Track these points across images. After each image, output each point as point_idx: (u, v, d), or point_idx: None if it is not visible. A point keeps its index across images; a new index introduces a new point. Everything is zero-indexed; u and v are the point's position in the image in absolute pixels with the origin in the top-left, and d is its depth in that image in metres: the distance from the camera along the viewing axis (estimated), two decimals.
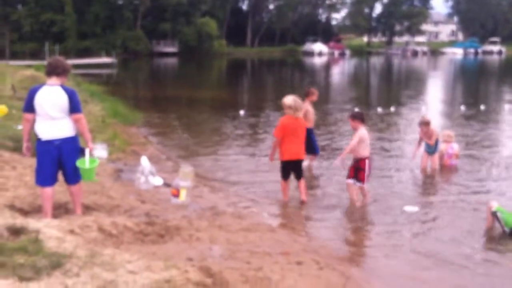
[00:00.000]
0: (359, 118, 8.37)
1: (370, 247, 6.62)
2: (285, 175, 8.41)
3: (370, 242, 6.83)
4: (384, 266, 5.97)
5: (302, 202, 8.36)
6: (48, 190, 5.92)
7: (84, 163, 5.98)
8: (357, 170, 8.34)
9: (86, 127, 6.04)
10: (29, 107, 5.78)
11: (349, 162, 8.49)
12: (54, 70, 5.87)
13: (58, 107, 5.76)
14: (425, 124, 10.78)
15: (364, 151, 8.31)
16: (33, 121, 5.84)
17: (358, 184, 8.35)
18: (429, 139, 10.69)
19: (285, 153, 8.24)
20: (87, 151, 6.01)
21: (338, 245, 6.72)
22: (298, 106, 8.14)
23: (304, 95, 10.29)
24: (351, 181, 8.40)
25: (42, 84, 5.90)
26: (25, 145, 6.00)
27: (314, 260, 5.63)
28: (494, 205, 7.19)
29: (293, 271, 5.19)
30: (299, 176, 8.44)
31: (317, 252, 6.14)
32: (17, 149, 8.72)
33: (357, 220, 7.70)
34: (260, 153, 12.03)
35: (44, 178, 5.90)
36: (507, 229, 6.94)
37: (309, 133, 9.78)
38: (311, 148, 10.30)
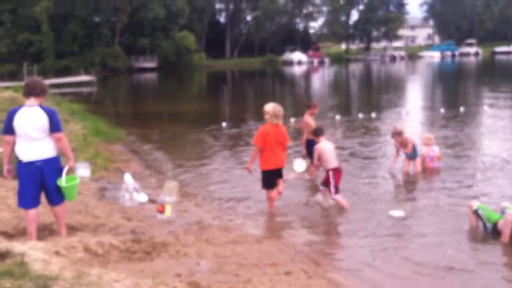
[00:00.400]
0: (316, 133, 8.80)
1: (358, 254, 6.63)
2: (269, 185, 8.33)
3: (357, 249, 6.83)
4: (373, 273, 5.99)
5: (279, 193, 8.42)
6: (32, 212, 5.86)
7: (63, 181, 5.94)
8: (326, 181, 8.67)
9: (68, 146, 6.02)
10: (9, 129, 5.74)
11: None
12: (32, 91, 5.84)
13: (38, 127, 5.73)
14: (397, 134, 10.89)
15: (326, 164, 8.57)
16: (13, 143, 5.79)
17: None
18: (405, 148, 10.82)
19: (267, 162, 8.16)
20: (65, 169, 5.97)
21: (326, 253, 6.74)
22: (277, 113, 8.10)
23: (306, 107, 10.79)
24: (323, 187, 8.78)
25: (21, 105, 5.86)
26: (5, 167, 5.94)
27: (303, 269, 5.65)
28: (475, 204, 7.33)
29: (282, 281, 5.20)
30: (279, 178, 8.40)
31: (305, 261, 6.15)
32: None
33: (344, 227, 7.72)
34: (245, 164, 12.02)
35: (27, 200, 5.84)
36: (489, 225, 7.06)
37: (311, 144, 10.00)
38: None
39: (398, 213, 8.08)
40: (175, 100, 31.95)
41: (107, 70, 65.24)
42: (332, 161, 8.66)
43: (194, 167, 11.94)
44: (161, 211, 7.54)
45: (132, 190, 8.24)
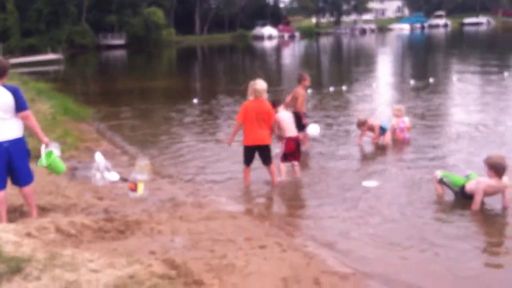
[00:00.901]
0: (274, 103, 8.79)
1: (332, 226, 6.69)
2: (246, 160, 8.32)
3: (331, 220, 6.88)
4: (347, 245, 6.04)
5: (273, 183, 8.39)
6: (1, 193, 5.76)
7: (44, 161, 5.89)
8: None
9: (36, 124, 5.93)
10: None
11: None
12: None
13: (3, 107, 5.60)
14: (362, 124, 10.95)
15: (284, 132, 8.67)
16: None
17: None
18: (374, 132, 10.92)
19: (248, 137, 8.15)
20: (43, 147, 5.91)
21: (300, 226, 6.78)
22: (257, 88, 8.06)
23: (296, 81, 10.79)
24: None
25: None
26: None
27: (277, 243, 5.68)
28: (439, 173, 7.47)
29: (257, 255, 5.22)
30: (267, 161, 8.36)
31: (280, 235, 6.18)
32: None
33: (318, 200, 7.76)
34: (216, 140, 12.00)
35: None
36: (457, 189, 7.21)
37: (300, 117, 10.22)
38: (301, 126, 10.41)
39: (371, 183, 8.17)
40: (144, 77, 31.56)
41: (74, 47, 64.05)
42: (289, 129, 8.69)
43: (165, 144, 11.86)
44: (134, 189, 7.48)
45: (103, 169, 8.16)
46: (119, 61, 52.68)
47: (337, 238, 6.24)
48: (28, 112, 5.80)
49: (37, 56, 46.61)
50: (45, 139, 6.02)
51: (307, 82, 10.68)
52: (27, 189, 5.97)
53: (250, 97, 8.13)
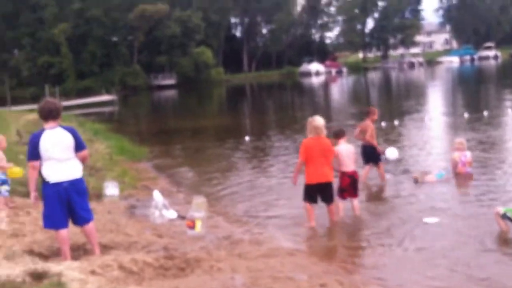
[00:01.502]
0: (336, 135, 8.76)
1: (394, 264, 6.56)
2: (308, 198, 8.16)
3: (390, 258, 6.75)
4: (410, 282, 5.91)
5: (332, 222, 8.27)
6: (63, 232, 5.88)
7: None
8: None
9: None
10: (35, 155, 5.73)
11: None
12: (50, 114, 5.84)
13: (64, 147, 5.77)
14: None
15: (341, 166, 8.52)
16: (39, 168, 5.79)
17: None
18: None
19: (311, 176, 8.01)
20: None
21: (360, 264, 6.68)
22: (315, 126, 8.02)
23: (365, 114, 10.99)
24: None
25: (41, 129, 5.84)
26: (33, 194, 5.94)
27: (337, 280, 5.60)
28: (501, 209, 7.23)
29: None
30: (328, 199, 8.22)
31: (339, 273, 6.10)
32: (28, 194, 8.73)
33: (378, 235, 7.63)
34: (270, 177, 12.03)
35: (55, 221, 5.84)
36: None
37: (372, 149, 10.49)
38: (375, 159, 10.66)
39: (432, 220, 7.98)
40: (196, 116, 32.10)
41: (127, 88, 65.84)
42: (346, 164, 8.56)
43: (220, 181, 11.96)
44: (192, 226, 7.54)
45: (161, 207, 8.27)
46: (170, 101, 53.80)
47: (399, 277, 6.11)
48: (86, 152, 6.01)
49: (92, 98, 48.13)
50: None
51: (375, 115, 10.85)
52: (88, 227, 6.08)
53: (310, 135, 8.07)
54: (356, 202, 8.63)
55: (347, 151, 8.58)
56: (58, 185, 5.76)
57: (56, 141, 5.73)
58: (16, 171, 8.32)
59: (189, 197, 9.61)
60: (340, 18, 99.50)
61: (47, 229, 5.99)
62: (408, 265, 6.48)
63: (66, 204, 5.84)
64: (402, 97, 36.67)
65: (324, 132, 8.09)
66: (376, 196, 10.15)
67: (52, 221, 5.84)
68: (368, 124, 10.63)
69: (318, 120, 8.08)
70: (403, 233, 7.61)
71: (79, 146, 5.87)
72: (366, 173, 10.74)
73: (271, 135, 19.63)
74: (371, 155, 10.63)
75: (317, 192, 8.13)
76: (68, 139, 5.78)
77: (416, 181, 10.38)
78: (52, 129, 5.79)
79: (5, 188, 8.32)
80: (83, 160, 5.98)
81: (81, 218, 5.99)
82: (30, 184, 5.90)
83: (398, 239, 7.40)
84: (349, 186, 8.54)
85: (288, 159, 14.12)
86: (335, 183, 8.57)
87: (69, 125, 6.11)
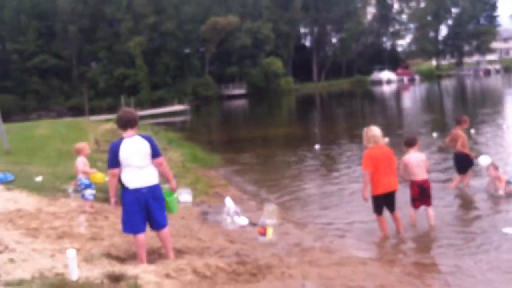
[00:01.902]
0: (406, 143, 8.64)
1: (470, 274, 6.35)
2: (378, 210, 8.03)
3: (466, 268, 6.54)
4: None
5: (399, 231, 8.13)
6: (141, 236, 6.05)
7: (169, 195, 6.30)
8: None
9: (168, 169, 6.29)
10: (115, 162, 5.95)
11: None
12: (128, 123, 6.06)
13: (142, 155, 5.97)
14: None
15: (410, 176, 8.40)
16: (119, 176, 6.01)
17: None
18: (500, 184, 10.17)
19: (377, 186, 7.85)
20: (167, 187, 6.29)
21: (435, 274, 6.51)
22: (371, 136, 7.93)
23: (457, 123, 10.81)
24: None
25: (120, 138, 6.06)
26: (113, 200, 6.17)
27: None
28: None
29: None
30: (392, 208, 8.10)
31: (413, 283, 5.97)
32: (107, 199, 9.07)
33: (455, 245, 7.41)
34: (341, 186, 11.93)
35: (134, 225, 6.03)
36: None
37: (464, 157, 10.44)
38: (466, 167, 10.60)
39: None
40: (265, 124, 32.31)
41: (199, 99, 67.18)
42: (415, 173, 8.37)
43: (291, 189, 11.98)
44: (263, 233, 7.60)
45: (233, 214, 8.39)
46: (241, 110, 54.40)
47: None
48: (162, 159, 6.17)
49: (165, 108, 49.39)
50: (173, 183, 6.38)
51: (466, 124, 10.73)
52: (164, 232, 6.24)
53: (368, 145, 7.95)
54: (430, 211, 8.41)
55: (416, 160, 8.41)
56: (137, 191, 5.97)
57: (134, 149, 5.94)
58: (99, 176, 8.65)
59: (260, 204, 9.69)
60: (412, 25, 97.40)
61: (125, 234, 6.19)
62: (484, 276, 6.25)
63: (144, 209, 6.03)
64: (478, 105, 35.43)
65: (382, 140, 7.97)
66: (458, 204, 9.87)
67: (131, 226, 6.04)
68: (459, 133, 10.53)
69: (375, 130, 7.96)
70: (481, 243, 7.36)
71: (155, 154, 6.06)
72: (457, 182, 10.63)
73: (342, 143, 19.47)
74: (463, 163, 10.54)
75: (384, 202, 7.99)
76: (145, 147, 5.98)
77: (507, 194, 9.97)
78: (131, 138, 6.01)
79: (89, 192, 8.66)
80: (158, 167, 6.14)
81: (157, 223, 6.16)
82: (110, 190, 6.13)
83: (475, 249, 7.16)
84: (419, 195, 8.39)
85: (359, 167, 13.98)
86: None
87: (146, 134, 6.30)
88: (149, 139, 6.07)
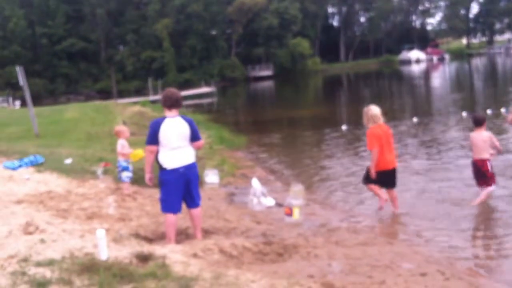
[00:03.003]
0: (473, 122, 8.51)
1: (501, 256, 6.29)
2: (370, 181, 8.13)
3: (500, 251, 6.48)
4: None
5: (395, 208, 8.19)
6: (173, 216, 6.15)
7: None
8: None
9: None
10: (154, 140, 6.05)
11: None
12: (174, 103, 6.15)
13: (181, 136, 6.06)
14: None
15: (474, 154, 8.30)
16: (156, 153, 6.10)
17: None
18: None
19: (380, 163, 7.96)
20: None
21: (462, 255, 6.45)
22: (372, 115, 8.01)
23: None
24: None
25: (163, 117, 6.16)
26: (148, 176, 6.27)
27: (439, 270, 5.44)
28: None
29: (418, 283, 5.05)
30: (393, 183, 8.20)
31: (441, 263, 5.93)
32: (134, 181, 9.20)
33: (482, 227, 7.35)
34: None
35: (172, 205, 6.13)
36: None
37: None
38: None
39: None
40: (292, 106, 32.21)
41: (225, 80, 67.26)
42: (474, 151, 8.38)
43: (317, 170, 11.98)
44: (289, 214, 7.63)
45: (259, 195, 8.43)
46: (267, 92, 54.30)
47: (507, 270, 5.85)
48: (202, 142, 6.34)
49: (192, 90, 49.51)
50: None
51: None
52: (196, 210, 6.32)
53: (369, 124, 8.00)
54: (483, 191, 8.26)
55: (475, 139, 8.34)
56: (175, 171, 6.06)
57: (174, 130, 6.02)
58: (137, 152, 8.70)
59: (287, 185, 9.71)
60: (442, 3, 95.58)
61: (164, 213, 6.22)
62: None
63: (181, 189, 6.13)
64: (509, 84, 34.72)
65: (381, 119, 8.01)
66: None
67: (170, 205, 6.14)
68: None
69: (375, 109, 8.05)
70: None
71: (195, 137, 6.17)
72: None
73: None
74: None
75: (385, 178, 8.07)
76: (185, 129, 6.06)
77: None
78: (173, 118, 6.10)
79: (126, 174, 8.82)
80: (197, 149, 6.33)
81: (194, 201, 6.27)
82: (146, 166, 6.26)
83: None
84: (474, 174, 8.40)
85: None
86: None
87: (188, 116, 6.36)
88: (190, 122, 6.16)
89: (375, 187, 8.21)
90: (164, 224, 6.33)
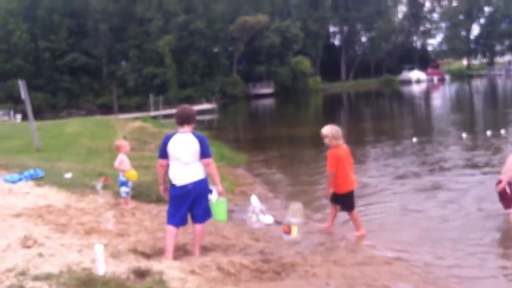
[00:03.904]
0: None
1: (494, 275, 6.28)
2: (354, 205, 8.10)
3: (492, 270, 6.47)
4: None
5: (358, 230, 8.10)
6: (173, 229, 6.23)
7: (216, 204, 6.41)
8: None
9: (216, 171, 6.39)
10: (163, 153, 6.22)
11: None
12: (186, 120, 6.26)
13: (190, 152, 6.14)
14: None
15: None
16: (167, 166, 6.25)
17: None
18: None
19: (348, 183, 7.97)
20: (214, 192, 6.43)
21: (459, 275, 6.44)
22: (335, 134, 7.91)
23: None
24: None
25: (175, 132, 6.30)
26: (161, 187, 6.46)
27: None
28: None
29: None
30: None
31: (438, 283, 5.93)
32: (133, 196, 9.22)
33: (475, 247, 7.34)
34: (366, 185, 11.87)
35: (174, 218, 6.25)
36: None
37: None
38: None
39: None
40: (292, 124, 32.28)
41: (226, 97, 67.49)
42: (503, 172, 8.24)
43: (315, 188, 11.95)
44: (288, 232, 7.62)
45: (258, 212, 8.43)
46: (268, 109, 54.41)
47: None
48: (210, 160, 6.30)
49: (193, 106, 49.50)
50: (220, 186, 6.46)
51: None
52: (200, 226, 6.38)
53: (332, 143, 7.90)
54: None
55: (508, 159, 8.21)
56: (183, 188, 6.18)
57: (183, 145, 6.13)
58: (132, 173, 8.80)
59: (286, 203, 9.71)
60: (443, 24, 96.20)
61: (169, 225, 6.29)
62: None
63: (189, 205, 6.25)
64: (509, 105, 34.82)
65: (341, 139, 8.00)
66: None
67: (171, 217, 6.27)
68: None
69: (337, 129, 7.98)
70: None
71: (204, 154, 6.22)
72: None
73: (368, 142, 19.36)
74: None
75: (352, 198, 8.09)
76: (194, 145, 6.14)
77: None
78: (183, 134, 6.22)
79: (123, 189, 8.85)
80: (206, 168, 6.30)
81: (198, 216, 6.35)
82: (159, 178, 6.44)
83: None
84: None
85: (386, 165, 14.01)
86: None
87: (201, 133, 6.42)
88: (201, 139, 6.22)
89: (356, 215, 8.17)
90: (163, 239, 6.39)
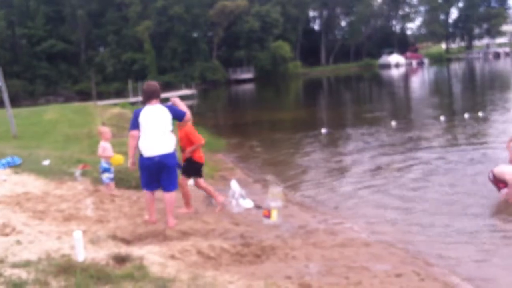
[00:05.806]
0: None
1: (473, 254, 6.39)
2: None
3: (475, 252, 6.58)
4: (491, 275, 5.74)
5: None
6: (149, 193, 6.75)
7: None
8: None
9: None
10: (135, 125, 6.48)
11: None
12: (153, 94, 6.60)
13: (161, 121, 6.43)
14: None
15: None
16: (138, 138, 6.48)
17: None
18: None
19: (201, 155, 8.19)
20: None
21: (437, 255, 6.54)
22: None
23: None
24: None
25: (143, 106, 6.60)
26: (130, 160, 6.73)
27: (414, 271, 5.52)
28: None
29: (394, 284, 5.12)
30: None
31: (416, 263, 6.01)
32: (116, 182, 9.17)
33: (454, 228, 7.45)
34: (346, 169, 11.97)
35: (147, 185, 6.73)
36: None
37: None
38: None
39: None
40: (273, 109, 32.27)
41: (206, 83, 67.06)
42: None
43: (296, 172, 12.03)
44: (267, 216, 7.65)
45: (238, 196, 8.44)
46: (248, 95, 54.31)
47: (481, 269, 5.94)
48: (187, 114, 6.78)
49: (172, 92, 49.27)
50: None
51: None
52: (168, 195, 6.71)
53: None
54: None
55: None
56: (150, 159, 6.48)
57: (154, 115, 6.44)
58: (118, 157, 8.77)
59: (266, 187, 9.74)
60: (422, 8, 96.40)
61: (145, 191, 6.79)
62: (494, 260, 6.27)
63: (155, 174, 6.58)
64: (487, 89, 35.21)
65: None
66: None
67: (145, 184, 6.76)
68: None
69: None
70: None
71: (179, 115, 6.66)
72: None
73: (347, 127, 19.46)
74: None
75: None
76: (165, 114, 6.46)
77: None
78: (153, 105, 6.53)
79: (106, 175, 8.81)
80: (188, 120, 6.83)
81: (167, 187, 6.69)
82: (129, 151, 6.69)
83: (490, 235, 7.18)
84: None
85: (366, 150, 14.08)
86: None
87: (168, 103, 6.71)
88: (169, 107, 6.62)
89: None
90: (143, 224, 6.61)
